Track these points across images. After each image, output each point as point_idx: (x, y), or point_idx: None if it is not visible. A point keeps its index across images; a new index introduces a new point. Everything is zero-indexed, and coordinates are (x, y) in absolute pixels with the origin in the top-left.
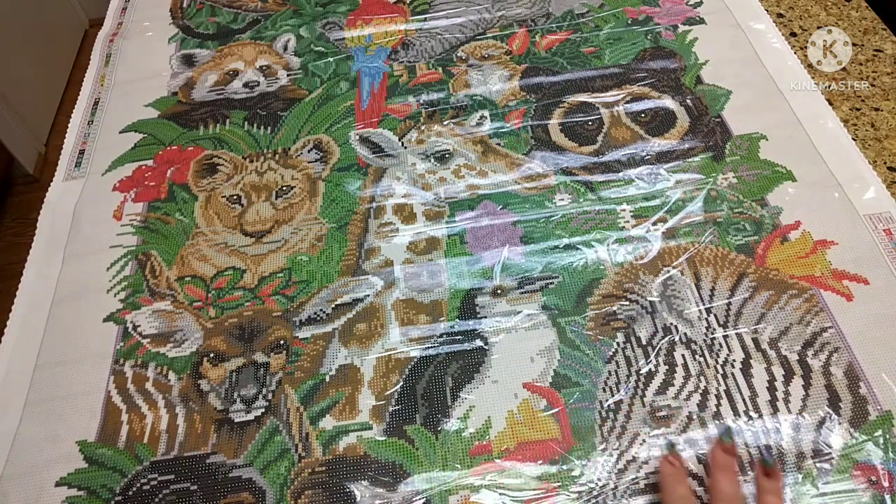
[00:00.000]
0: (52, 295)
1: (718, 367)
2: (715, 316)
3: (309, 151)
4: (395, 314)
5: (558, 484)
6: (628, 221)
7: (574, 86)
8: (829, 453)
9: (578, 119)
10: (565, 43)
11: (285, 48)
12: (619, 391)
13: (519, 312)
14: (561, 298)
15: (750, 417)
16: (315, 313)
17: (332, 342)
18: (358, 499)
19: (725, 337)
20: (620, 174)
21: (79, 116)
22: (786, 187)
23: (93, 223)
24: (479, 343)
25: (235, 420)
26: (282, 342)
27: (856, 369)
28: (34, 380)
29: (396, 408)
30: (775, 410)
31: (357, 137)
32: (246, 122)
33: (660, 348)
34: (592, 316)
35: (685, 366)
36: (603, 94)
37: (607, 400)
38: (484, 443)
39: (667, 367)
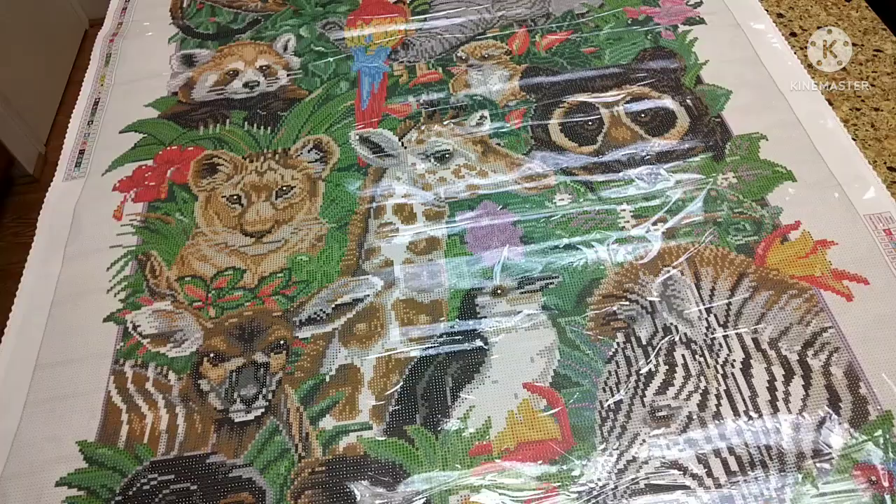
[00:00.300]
0: (53, 295)
1: (718, 367)
2: (715, 316)
3: (309, 151)
4: (395, 314)
5: (558, 484)
6: (628, 221)
7: (574, 86)
8: (829, 453)
9: (578, 119)
10: (565, 43)
11: (285, 48)
12: (619, 391)
13: (519, 312)
14: (561, 298)
15: (750, 417)
16: (315, 313)
17: (332, 342)
18: (358, 499)
19: (725, 337)
20: (620, 174)
21: (79, 116)
22: (786, 187)
23: (93, 223)
24: (479, 343)
25: (235, 420)
26: (282, 342)
27: (856, 369)
28: (34, 380)
29: (396, 408)
30: (775, 410)
31: (357, 137)
32: (246, 122)
33: (660, 348)
34: (592, 316)
35: (685, 366)
36: (603, 94)
37: (607, 400)
38: (484, 443)
39: (667, 367)
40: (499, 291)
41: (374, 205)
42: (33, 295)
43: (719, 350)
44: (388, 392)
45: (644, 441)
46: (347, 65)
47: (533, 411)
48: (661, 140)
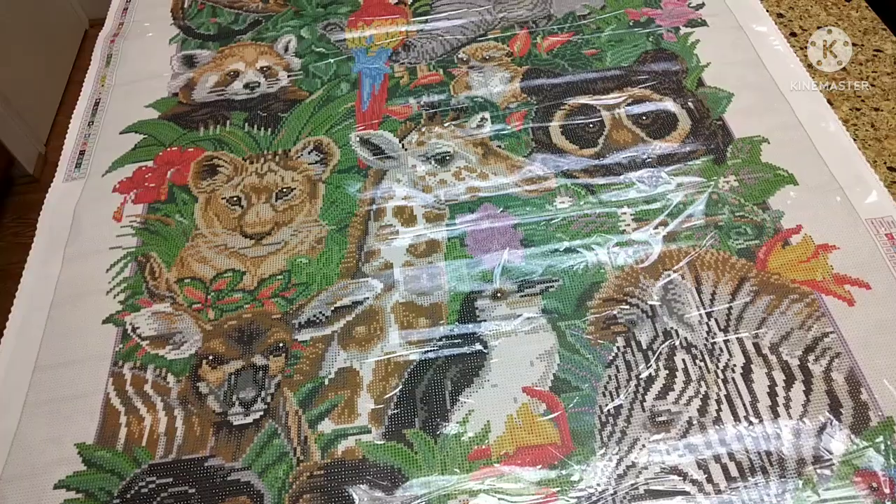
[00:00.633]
0: (52, 296)
1: (719, 371)
2: (716, 320)
3: (309, 153)
4: (394, 317)
5: (557, 489)
6: (629, 224)
7: (575, 88)
8: (830, 459)
9: (579, 121)
10: (566, 45)
11: (286, 49)
12: (619, 396)
13: (519, 316)
14: (561, 302)
15: (750, 423)
16: (314, 316)
17: (332, 345)
18: (356, 503)
19: (726, 341)
20: (621, 177)
21: (79, 117)
22: (787, 191)
23: (93, 224)
24: (478, 346)
25: (234, 423)
26: (281, 345)
27: (857, 375)
28: (33, 381)
29: (395, 411)
30: (776, 416)
31: (357, 139)
32: (246, 124)
33: (660, 353)
34: (593, 320)
35: (685, 370)
36: (604, 97)
37: (607, 404)
38: (483, 447)
39: (667, 371)
40: (499, 295)
41: (374, 207)
42: (33, 296)
43: (720, 355)
44: (387, 395)
45: (644, 446)
46: (348, 66)
47: (532, 415)
48: (663, 143)
